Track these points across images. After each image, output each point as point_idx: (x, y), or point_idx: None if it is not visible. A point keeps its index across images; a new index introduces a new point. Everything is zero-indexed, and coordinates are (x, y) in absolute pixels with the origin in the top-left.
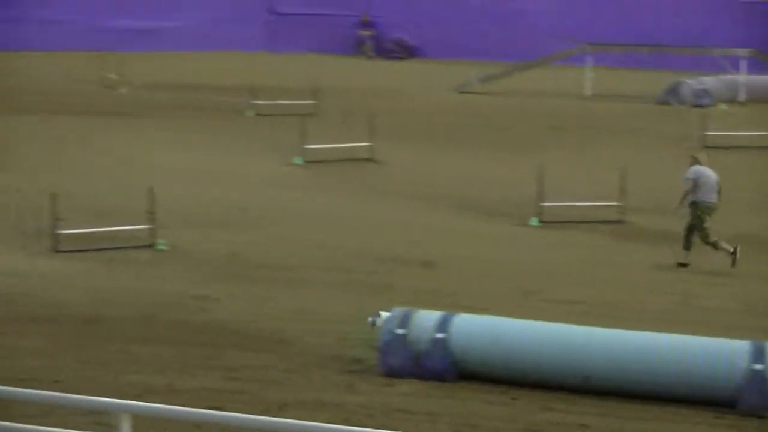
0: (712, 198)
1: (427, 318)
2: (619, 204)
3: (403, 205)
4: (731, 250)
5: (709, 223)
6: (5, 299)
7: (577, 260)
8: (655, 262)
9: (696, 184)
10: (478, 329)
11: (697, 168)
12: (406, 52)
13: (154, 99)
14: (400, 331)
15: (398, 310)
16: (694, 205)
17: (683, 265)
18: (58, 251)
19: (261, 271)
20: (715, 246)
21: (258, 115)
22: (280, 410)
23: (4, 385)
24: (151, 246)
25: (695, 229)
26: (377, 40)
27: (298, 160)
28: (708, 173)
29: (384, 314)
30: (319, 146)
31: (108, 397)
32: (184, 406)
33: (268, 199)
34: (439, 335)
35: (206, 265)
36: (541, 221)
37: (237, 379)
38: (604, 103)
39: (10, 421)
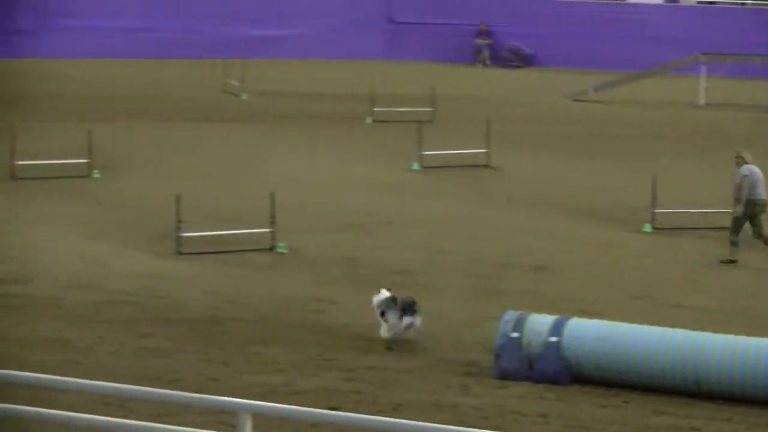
0: (763, 195)
1: (540, 322)
2: (731, 211)
3: (518, 210)
4: None
5: (759, 219)
6: (130, 300)
7: (689, 266)
8: (766, 268)
9: (749, 182)
10: (591, 333)
11: (747, 167)
12: (522, 60)
13: (275, 106)
14: (514, 335)
15: (512, 314)
16: (748, 202)
17: (731, 261)
18: (180, 254)
19: (378, 274)
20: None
21: (376, 122)
22: (395, 411)
23: (129, 383)
24: (271, 249)
25: (738, 225)
26: (494, 49)
27: (415, 167)
28: (757, 171)
29: (384, 291)
30: (436, 153)
31: (229, 397)
32: (302, 406)
33: (386, 205)
34: (553, 339)
35: (325, 268)
36: (653, 227)
37: (354, 380)
38: (717, 112)
39: (135, 420)
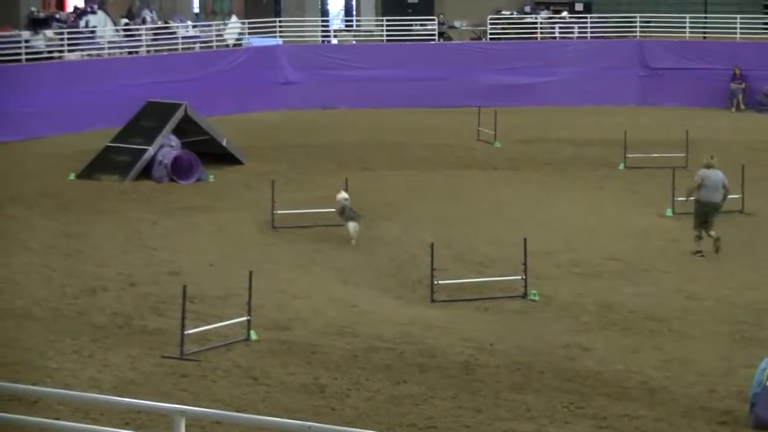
0: (713, 197)
1: None
2: None
3: None
4: (715, 237)
5: (712, 218)
6: (384, 347)
7: None
8: None
9: (700, 184)
10: None
11: (703, 171)
12: None
13: (528, 153)
14: None
15: None
16: (696, 202)
17: (698, 252)
18: (434, 301)
19: (632, 320)
20: (708, 235)
21: (629, 168)
22: None
23: (385, 430)
24: (523, 296)
25: (696, 221)
26: (749, 93)
27: (668, 213)
28: (712, 175)
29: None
30: (689, 198)
31: None
32: None
33: (639, 251)
34: None
35: (577, 315)
36: None
37: (606, 428)
38: None
39: None
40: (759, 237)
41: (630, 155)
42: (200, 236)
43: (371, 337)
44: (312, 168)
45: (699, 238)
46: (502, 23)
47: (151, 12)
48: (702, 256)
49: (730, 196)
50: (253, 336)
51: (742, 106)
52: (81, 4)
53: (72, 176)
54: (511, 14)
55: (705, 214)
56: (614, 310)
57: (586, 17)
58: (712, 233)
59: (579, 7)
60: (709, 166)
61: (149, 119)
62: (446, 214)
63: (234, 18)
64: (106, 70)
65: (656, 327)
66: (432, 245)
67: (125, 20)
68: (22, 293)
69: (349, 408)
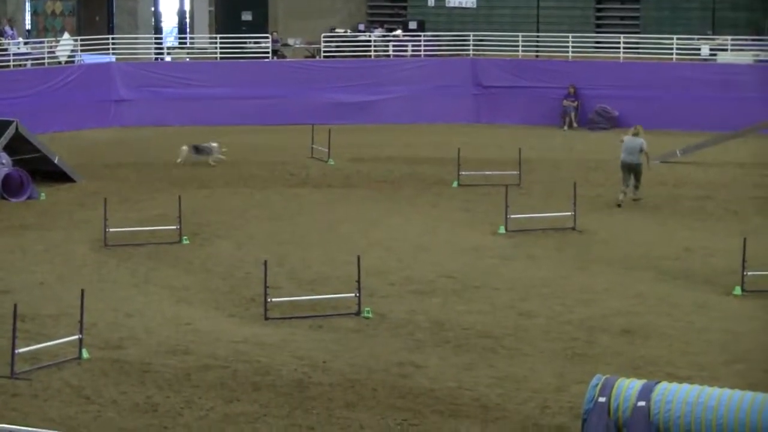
0: (627, 159)
1: (628, 386)
2: None
3: (605, 273)
4: (634, 197)
5: (634, 177)
6: (218, 365)
7: None
8: None
9: (623, 147)
10: (680, 397)
11: (625, 137)
12: (609, 122)
13: (361, 171)
14: (601, 399)
15: (599, 378)
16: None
17: (618, 206)
18: (268, 318)
19: (465, 338)
20: (635, 188)
21: (462, 185)
22: None
23: None
24: (357, 314)
25: (623, 178)
26: (581, 111)
27: (501, 230)
28: (629, 141)
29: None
30: (523, 216)
31: None
32: None
33: (472, 268)
34: (641, 403)
35: (411, 332)
36: (744, 290)
37: None
38: None
39: None
40: (590, 254)
41: (464, 173)
42: (31, 255)
43: (204, 356)
44: (146, 186)
45: (623, 193)
46: (336, 41)
47: (12, 29)
48: (618, 206)
49: (565, 213)
50: (85, 355)
51: (575, 124)
52: None
53: None
54: (345, 32)
55: (626, 173)
56: (447, 328)
57: (419, 35)
58: (636, 192)
59: (413, 25)
60: (634, 134)
61: None
62: (281, 232)
63: (66, 35)
64: None
65: (489, 344)
66: (265, 262)
67: None
68: None
69: (181, 427)
